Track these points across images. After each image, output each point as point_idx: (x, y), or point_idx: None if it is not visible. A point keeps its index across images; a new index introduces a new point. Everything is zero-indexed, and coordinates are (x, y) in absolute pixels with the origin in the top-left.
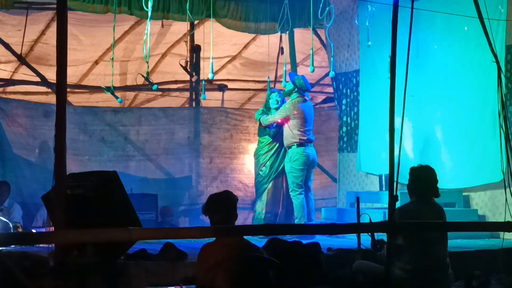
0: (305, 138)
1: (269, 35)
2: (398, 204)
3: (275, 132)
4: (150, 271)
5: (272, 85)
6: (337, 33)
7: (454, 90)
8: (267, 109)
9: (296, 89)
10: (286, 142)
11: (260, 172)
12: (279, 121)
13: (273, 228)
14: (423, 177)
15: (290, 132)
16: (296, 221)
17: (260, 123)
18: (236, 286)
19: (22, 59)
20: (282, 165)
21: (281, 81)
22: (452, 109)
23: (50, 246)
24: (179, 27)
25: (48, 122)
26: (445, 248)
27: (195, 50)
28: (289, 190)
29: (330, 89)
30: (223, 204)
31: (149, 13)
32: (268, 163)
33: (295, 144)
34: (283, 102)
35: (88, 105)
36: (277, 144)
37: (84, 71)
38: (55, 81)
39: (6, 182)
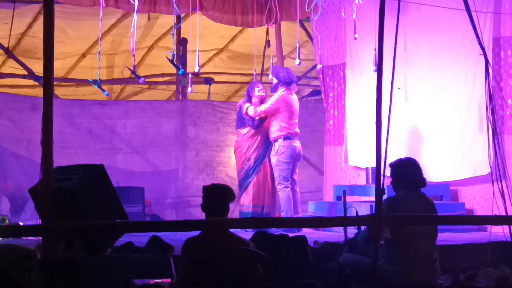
0: (291, 131)
1: (256, 28)
2: (384, 198)
3: (259, 122)
4: (137, 264)
5: (258, 78)
6: (324, 26)
7: (442, 82)
8: (249, 98)
9: (281, 83)
10: (272, 135)
11: (244, 166)
12: (269, 111)
13: (260, 221)
14: (407, 170)
15: (277, 125)
16: (283, 214)
17: (245, 112)
18: (222, 280)
19: (9, 52)
20: (265, 157)
21: (267, 74)
22: (440, 101)
23: (38, 239)
24: (166, 20)
25: (36, 115)
26: (433, 241)
27: (181, 43)
28: (275, 183)
29: (317, 82)
30: (220, 199)
31: (136, 6)
32: (252, 156)
33: (281, 137)
34: (266, 96)
35: (75, 98)
36: (259, 137)
37: (71, 64)
38: (42, 74)
39: None
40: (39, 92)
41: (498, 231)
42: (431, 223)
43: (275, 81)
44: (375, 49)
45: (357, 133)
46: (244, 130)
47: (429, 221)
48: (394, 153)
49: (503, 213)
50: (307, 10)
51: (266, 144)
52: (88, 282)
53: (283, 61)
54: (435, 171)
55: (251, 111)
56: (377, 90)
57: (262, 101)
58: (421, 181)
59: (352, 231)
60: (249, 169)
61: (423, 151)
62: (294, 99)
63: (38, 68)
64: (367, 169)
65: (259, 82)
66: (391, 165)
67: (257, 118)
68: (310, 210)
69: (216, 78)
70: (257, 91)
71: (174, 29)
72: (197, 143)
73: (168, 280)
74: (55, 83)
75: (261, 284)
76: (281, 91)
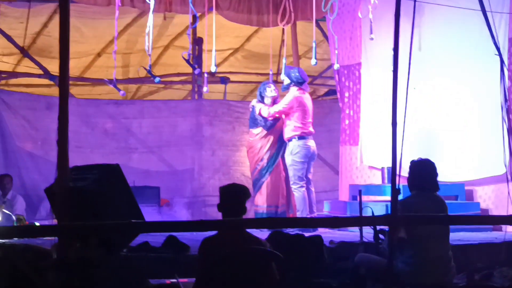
0: (306, 130)
1: (271, 27)
2: (400, 198)
3: (271, 123)
4: (153, 263)
5: (274, 77)
6: (340, 26)
7: (456, 83)
8: (261, 98)
9: (293, 83)
10: (286, 135)
11: (257, 167)
12: (283, 112)
13: (276, 221)
14: (424, 171)
15: (291, 125)
16: (298, 214)
17: (259, 113)
18: (239, 279)
19: (24, 52)
20: (279, 157)
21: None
22: (455, 102)
23: (53, 239)
24: (182, 20)
25: (51, 115)
26: (447, 241)
27: (197, 42)
28: (290, 183)
29: (333, 82)
30: (236, 199)
31: (152, 6)
32: (265, 156)
33: (296, 137)
34: (278, 96)
35: (91, 98)
36: (272, 137)
37: (86, 64)
38: (57, 74)
39: (8, 174)
40: (54, 91)
41: None
42: (447, 223)
43: (287, 81)
44: (391, 49)
45: (372, 133)
46: (257, 130)
47: (444, 221)
48: (409, 153)
49: None
50: (323, 10)
51: (279, 144)
52: (103, 282)
53: (298, 60)
54: (450, 170)
55: (264, 111)
56: (393, 90)
57: (274, 101)
58: (435, 185)
59: (368, 230)
60: (262, 169)
61: (438, 151)
62: (307, 98)
63: (53, 67)
64: (382, 168)
65: (271, 82)
66: (412, 162)
67: (270, 118)
68: (326, 209)
69: (232, 77)
70: (269, 91)
71: (190, 28)
72: (212, 142)
73: (185, 280)
74: (70, 82)
75: (276, 283)
76: (293, 90)
